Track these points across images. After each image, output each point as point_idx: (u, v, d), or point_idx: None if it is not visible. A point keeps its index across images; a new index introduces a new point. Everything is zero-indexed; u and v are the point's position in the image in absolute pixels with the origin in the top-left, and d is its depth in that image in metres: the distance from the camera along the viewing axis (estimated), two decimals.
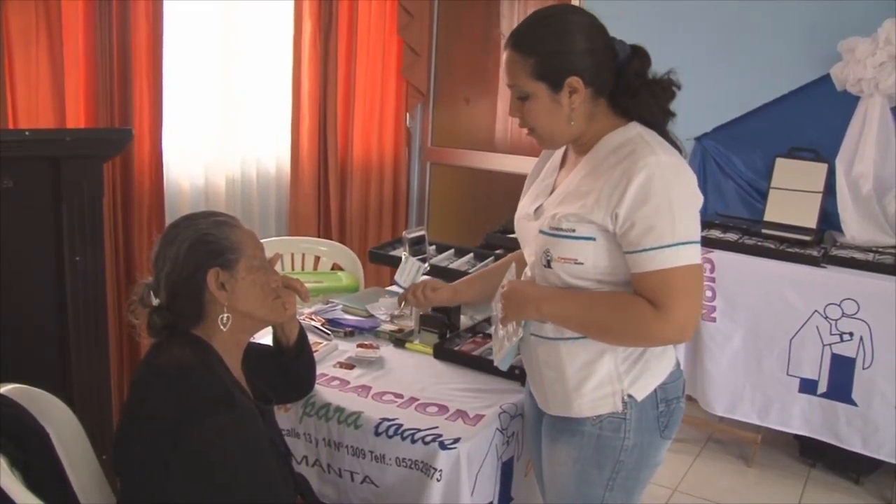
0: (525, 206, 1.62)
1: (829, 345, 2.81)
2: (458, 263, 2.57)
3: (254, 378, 1.53)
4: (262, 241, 1.50)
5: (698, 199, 1.44)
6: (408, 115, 4.29)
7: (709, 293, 2.94)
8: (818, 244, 2.98)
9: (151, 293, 1.42)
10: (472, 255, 2.63)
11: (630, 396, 1.48)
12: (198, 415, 1.27)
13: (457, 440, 1.60)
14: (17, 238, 1.87)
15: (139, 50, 2.84)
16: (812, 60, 3.18)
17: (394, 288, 2.51)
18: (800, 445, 3.15)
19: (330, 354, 2.01)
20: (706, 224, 3.09)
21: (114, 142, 2.15)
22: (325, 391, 1.80)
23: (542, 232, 1.48)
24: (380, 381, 1.87)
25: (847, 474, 3.03)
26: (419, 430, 1.63)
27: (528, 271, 1.62)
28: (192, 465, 1.26)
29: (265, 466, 1.35)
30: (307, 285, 1.62)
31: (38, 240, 1.94)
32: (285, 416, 1.76)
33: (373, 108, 4.02)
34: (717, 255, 2.93)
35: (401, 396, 1.79)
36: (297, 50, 3.55)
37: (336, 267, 3.30)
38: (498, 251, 2.63)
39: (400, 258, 2.02)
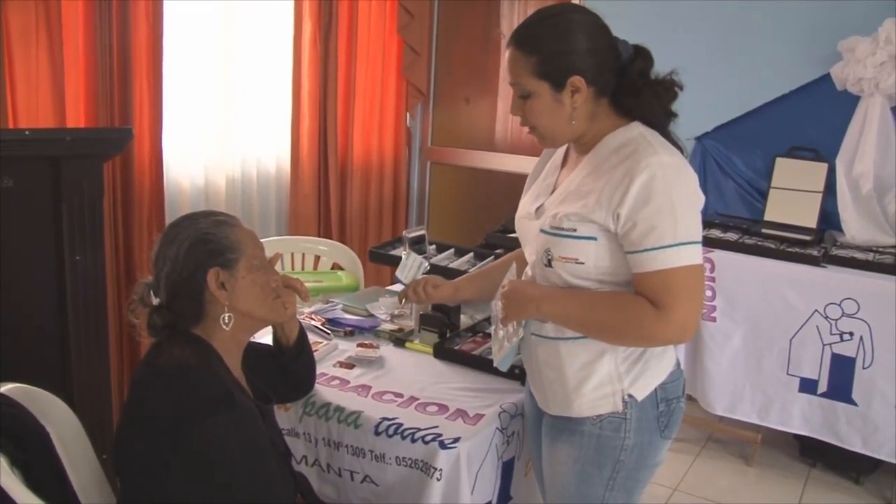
0: (526, 205, 1.62)
1: (829, 344, 2.81)
2: (458, 263, 2.57)
3: (254, 378, 1.53)
4: (262, 240, 1.50)
5: (700, 200, 1.44)
6: (408, 114, 4.30)
7: (709, 293, 2.94)
8: (818, 244, 2.98)
9: (151, 293, 1.42)
10: (471, 254, 2.63)
11: (630, 396, 1.48)
12: (198, 415, 1.27)
13: (457, 439, 1.60)
14: (17, 238, 1.87)
15: (139, 50, 2.84)
16: (812, 60, 3.18)
17: (394, 287, 2.52)
18: (800, 445, 3.15)
19: (330, 354, 2.01)
20: (706, 224, 3.09)
21: (114, 141, 2.15)
22: (325, 391, 1.80)
23: (543, 231, 1.48)
24: (380, 381, 1.87)
25: (847, 474, 3.03)
26: (419, 430, 1.63)
27: (528, 271, 1.62)
28: (192, 464, 1.26)
29: (265, 466, 1.35)
30: (307, 285, 1.62)
31: (38, 239, 1.94)
32: (285, 416, 1.76)
33: (373, 107, 4.02)
34: (717, 255, 2.93)
35: (401, 396, 1.79)
36: (297, 50, 3.55)
37: (336, 266, 3.30)
38: (498, 251, 2.63)
39: (400, 257, 2.03)
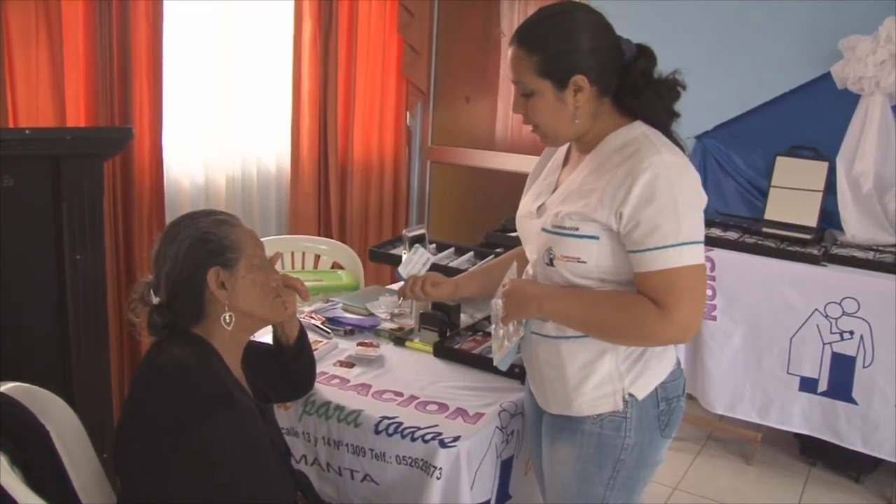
0: (527, 203, 1.61)
1: (830, 343, 2.81)
2: (458, 262, 2.57)
3: (254, 377, 1.53)
4: (262, 239, 1.50)
5: (702, 199, 1.44)
6: (408, 113, 4.29)
7: (709, 292, 2.94)
8: (818, 243, 2.98)
9: (152, 292, 1.42)
10: (472, 253, 2.63)
11: (631, 395, 1.48)
12: (198, 414, 1.27)
13: (457, 438, 1.61)
14: (17, 237, 1.87)
15: (139, 50, 2.84)
16: (812, 59, 3.18)
17: (394, 286, 2.52)
18: (800, 444, 3.15)
19: (330, 353, 2.01)
20: (706, 223, 3.07)
21: (114, 141, 2.14)
22: (324, 389, 1.80)
23: (544, 230, 1.48)
24: (380, 380, 1.87)
25: (847, 473, 3.03)
26: (419, 429, 1.63)
27: (529, 269, 1.62)
28: (192, 464, 1.26)
29: (265, 466, 1.35)
30: (307, 284, 1.62)
31: (38, 239, 1.93)
32: (285, 415, 1.77)
33: (373, 106, 4.02)
34: (718, 254, 2.93)
35: (401, 395, 1.79)
36: (297, 50, 3.55)
37: (336, 265, 3.30)
38: (498, 250, 2.63)
39: (400, 257, 2.02)
